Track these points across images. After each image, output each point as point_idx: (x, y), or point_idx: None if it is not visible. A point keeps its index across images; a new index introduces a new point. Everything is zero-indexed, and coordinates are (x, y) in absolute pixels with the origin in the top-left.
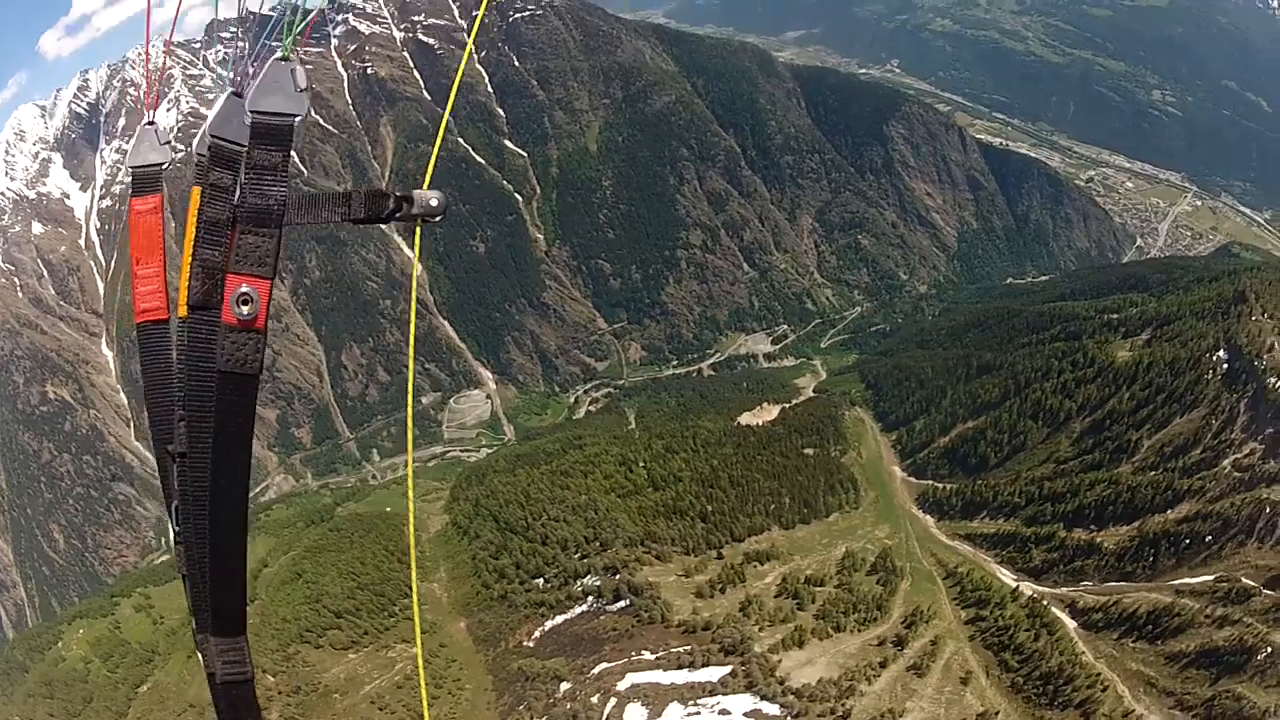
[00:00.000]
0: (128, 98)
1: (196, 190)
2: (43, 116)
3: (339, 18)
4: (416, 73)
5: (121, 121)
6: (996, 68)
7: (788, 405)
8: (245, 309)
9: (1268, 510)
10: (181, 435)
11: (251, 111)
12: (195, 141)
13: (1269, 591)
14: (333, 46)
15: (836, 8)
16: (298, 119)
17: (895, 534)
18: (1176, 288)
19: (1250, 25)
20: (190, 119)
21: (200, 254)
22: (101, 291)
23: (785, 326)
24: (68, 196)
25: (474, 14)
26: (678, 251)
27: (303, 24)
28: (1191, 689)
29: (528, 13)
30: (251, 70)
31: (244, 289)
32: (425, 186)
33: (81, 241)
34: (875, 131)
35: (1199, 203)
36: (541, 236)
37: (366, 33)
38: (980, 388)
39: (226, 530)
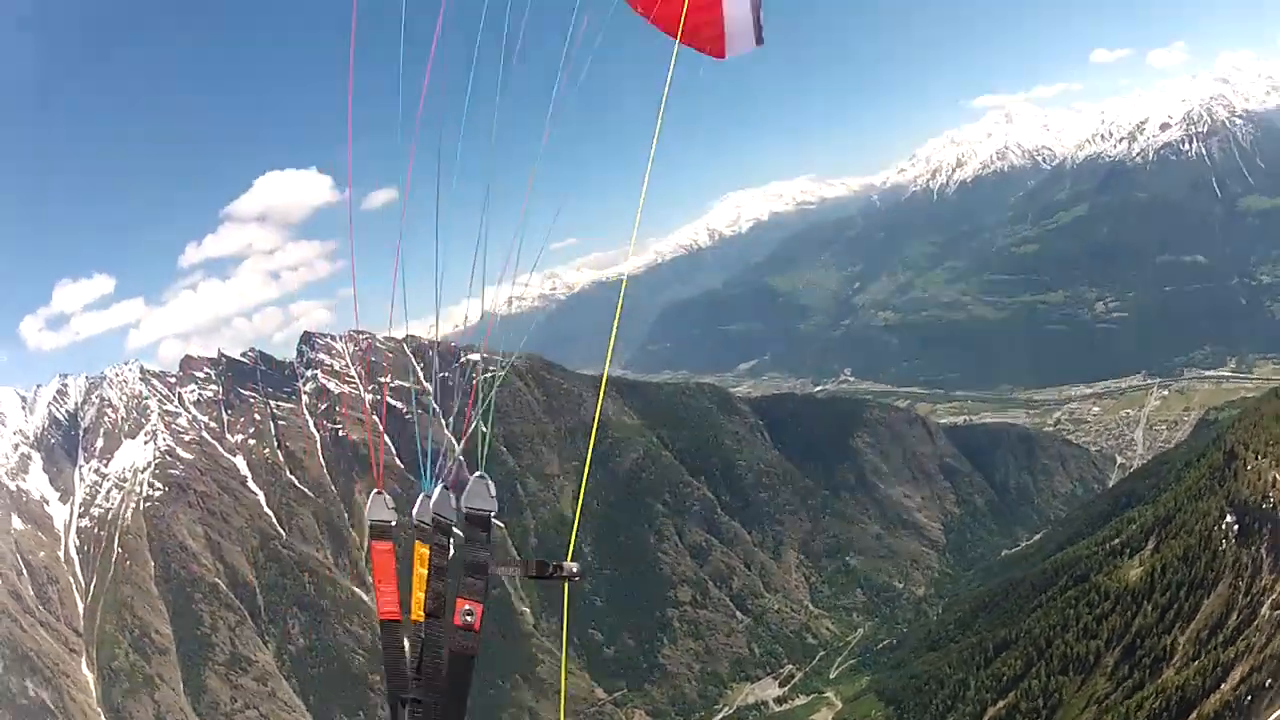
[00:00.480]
0: (105, 417)
1: (419, 545)
2: (23, 408)
3: (309, 373)
4: (387, 437)
5: (100, 441)
6: (945, 344)
7: None
8: (469, 619)
9: None
10: (414, 687)
11: (466, 508)
12: (415, 511)
13: None
14: (303, 404)
15: (782, 331)
16: (492, 513)
17: None
18: (1167, 485)
19: (1169, 187)
20: (168, 456)
21: (432, 586)
22: (81, 611)
23: (790, 666)
24: (47, 503)
25: (439, 374)
26: (668, 611)
27: (487, 448)
28: None
29: (490, 374)
30: (453, 474)
31: (467, 608)
32: (569, 558)
33: (60, 554)
34: (843, 447)
35: (1165, 393)
36: (528, 610)
37: (336, 392)
38: (1002, 666)
39: None
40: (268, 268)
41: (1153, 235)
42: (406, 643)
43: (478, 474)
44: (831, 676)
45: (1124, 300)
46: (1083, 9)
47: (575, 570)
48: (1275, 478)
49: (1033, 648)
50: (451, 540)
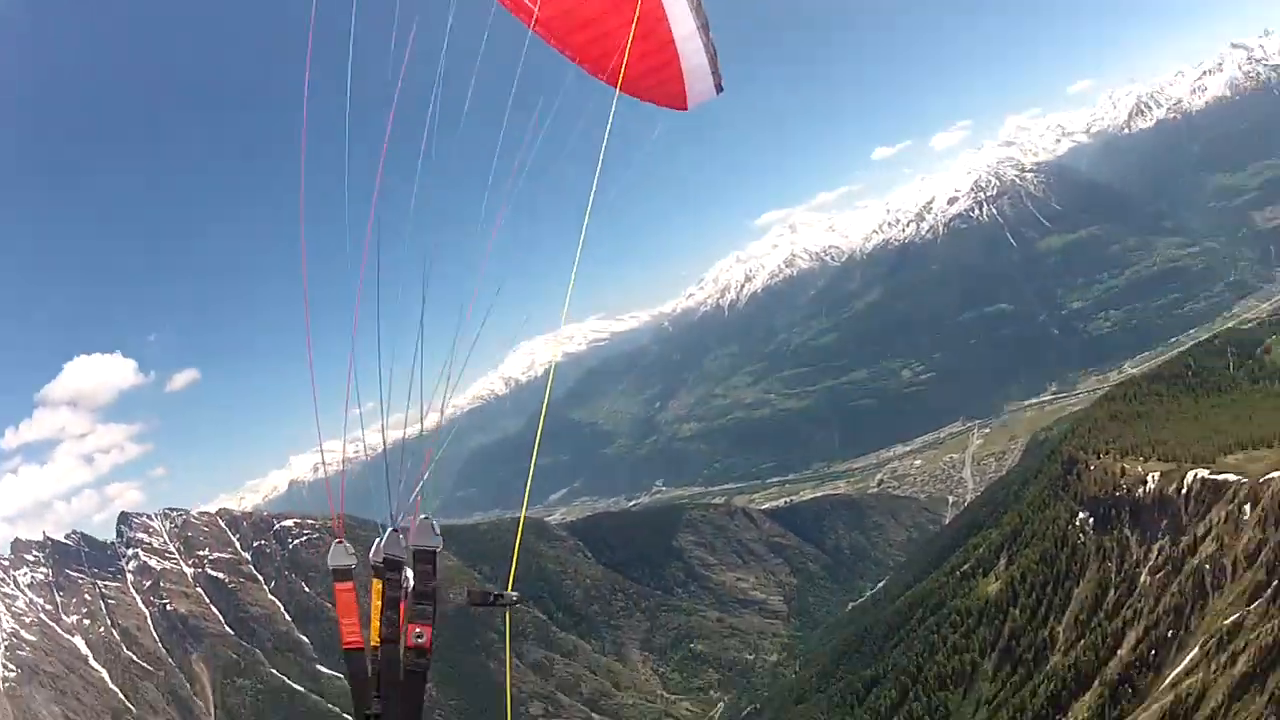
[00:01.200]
0: None
1: (376, 580)
2: None
3: (129, 551)
4: (214, 608)
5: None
6: (755, 440)
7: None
8: (419, 640)
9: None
10: (377, 703)
11: (414, 545)
12: (371, 553)
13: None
14: (129, 581)
15: (588, 456)
16: (438, 549)
17: None
18: (1007, 507)
19: (962, 252)
20: (14, 638)
21: (386, 615)
22: None
23: None
24: None
25: (258, 544)
26: None
27: (418, 492)
28: None
29: (304, 537)
30: (400, 517)
31: (417, 630)
32: (509, 588)
33: None
34: (667, 549)
35: (987, 430)
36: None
37: (158, 568)
38: (877, 700)
39: None
40: (80, 451)
41: (950, 299)
42: (369, 666)
43: (423, 516)
44: None
45: (929, 362)
46: (857, 111)
47: (515, 597)
48: (1123, 467)
49: (904, 676)
50: (405, 574)
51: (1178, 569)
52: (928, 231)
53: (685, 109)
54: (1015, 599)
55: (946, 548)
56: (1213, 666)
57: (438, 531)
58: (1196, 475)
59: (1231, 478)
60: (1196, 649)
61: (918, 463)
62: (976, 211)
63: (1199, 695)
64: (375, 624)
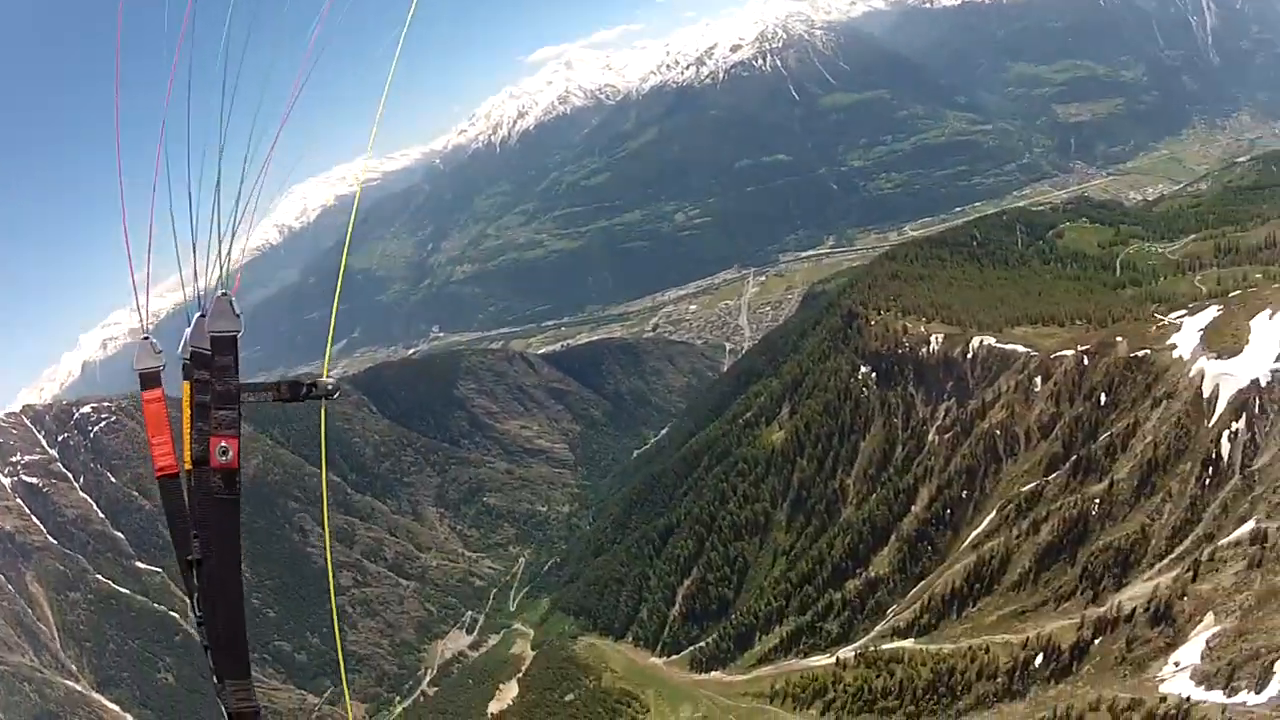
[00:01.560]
0: None
1: (186, 384)
2: None
3: None
4: (35, 518)
5: None
6: (529, 282)
7: (520, 675)
8: (224, 457)
9: (997, 440)
10: (197, 546)
11: (209, 332)
12: (180, 349)
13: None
14: None
15: (365, 307)
16: (239, 334)
17: (697, 711)
18: (786, 356)
19: (742, 101)
20: None
21: (196, 426)
22: None
23: (470, 613)
24: None
25: (62, 438)
26: (337, 600)
27: (229, 265)
28: None
29: (103, 422)
30: (209, 300)
31: (222, 444)
32: (325, 374)
33: None
34: (450, 398)
35: (762, 279)
36: None
37: None
38: (675, 549)
39: (233, 603)
40: None
41: (728, 146)
42: (186, 496)
43: (219, 293)
44: (513, 609)
45: (704, 207)
46: None
47: (331, 386)
48: (905, 326)
49: (699, 525)
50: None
51: (966, 431)
52: (708, 77)
53: None
54: (802, 449)
55: (727, 395)
56: (1014, 532)
57: (238, 311)
58: (983, 342)
59: (1020, 349)
60: (994, 513)
61: (693, 308)
62: (760, 62)
63: (1003, 559)
64: (186, 443)
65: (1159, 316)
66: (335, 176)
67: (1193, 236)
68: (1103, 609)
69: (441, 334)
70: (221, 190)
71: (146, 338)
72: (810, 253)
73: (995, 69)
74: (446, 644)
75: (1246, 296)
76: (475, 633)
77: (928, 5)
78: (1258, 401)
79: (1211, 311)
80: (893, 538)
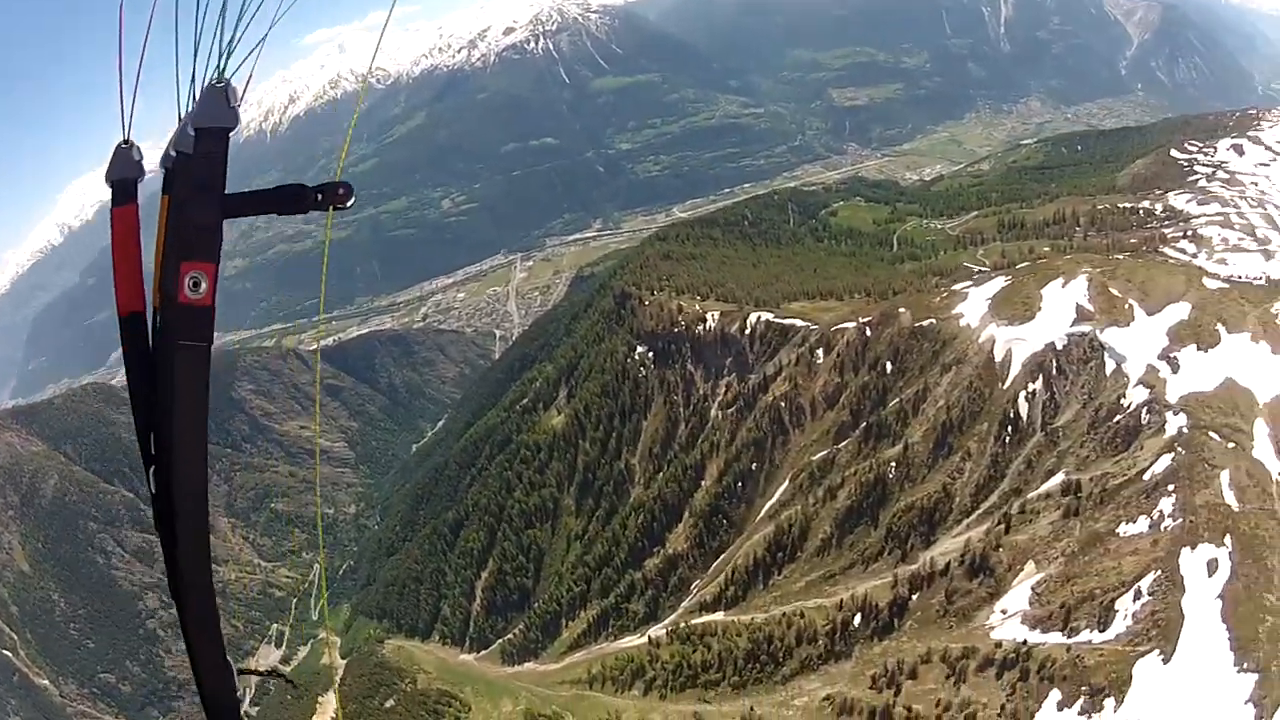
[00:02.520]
0: None
1: (164, 198)
2: None
3: None
4: None
5: None
6: (297, 275)
7: (336, 686)
8: (197, 292)
9: (783, 411)
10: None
11: (193, 126)
12: (160, 158)
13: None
14: None
15: None
16: (233, 129)
17: (518, 704)
18: (559, 340)
19: (511, 84)
20: None
21: (168, 254)
22: None
23: (275, 626)
24: None
25: None
26: (148, 623)
27: (230, 51)
28: None
29: None
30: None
31: (194, 274)
32: (338, 174)
33: None
34: (228, 401)
35: (530, 264)
36: (47, 682)
37: None
38: (467, 540)
39: (192, 471)
40: None
41: (496, 130)
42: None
43: (213, 81)
44: (315, 618)
45: (470, 193)
46: None
47: (342, 188)
48: (680, 305)
49: (488, 516)
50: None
51: (750, 405)
52: (479, 60)
53: None
54: (583, 432)
55: (501, 382)
56: (810, 500)
57: (235, 101)
58: (760, 318)
59: (799, 323)
60: (787, 482)
61: (461, 295)
62: (532, 44)
63: (802, 526)
64: (156, 272)
65: (942, 287)
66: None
67: (974, 213)
68: (915, 566)
69: (216, 333)
70: None
71: (127, 142)
72: (577, 236)
73: (773, 55)
74: (258, 661)
75: (1037, 267)
76: (284, 646)
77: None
78: (1055, 363)
79: (999, 281)
80: (686, 514)
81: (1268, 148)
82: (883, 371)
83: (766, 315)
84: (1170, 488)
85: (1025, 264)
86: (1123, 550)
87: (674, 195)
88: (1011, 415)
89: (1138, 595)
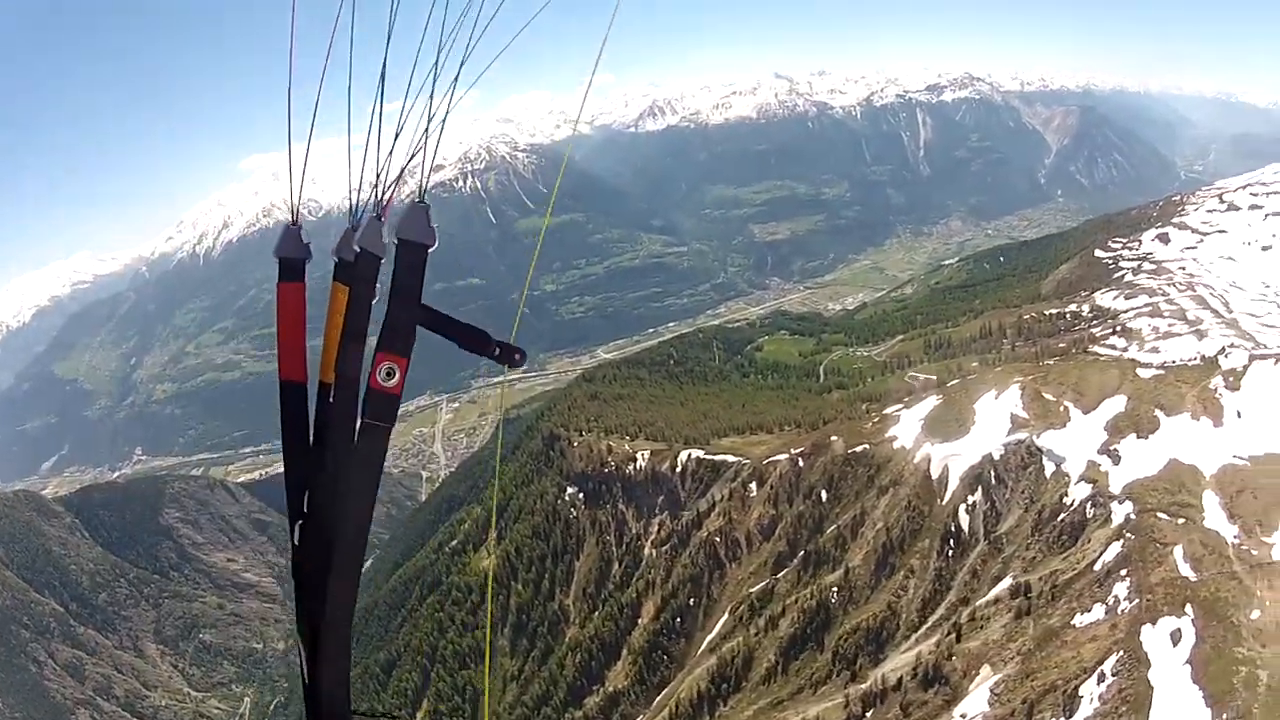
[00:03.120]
0: None
1: (336, 285)
2: None
3: None
4: None
5: None
6: (227, 405)
7: None
8: (389, 380)
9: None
10: (314, 467)
11: (398, 237)
12: (336, 246)
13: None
14: None
15: (75, 421)
16: (432, 247)
17: None
18: (487, 482)
19: (441, 222)
20: None
21: (347, 343)
22: None
23: None
24: None
25: None
26: None
27: (430, 173)
28: None
29: None
30: (385, 200)
31: (388, 365)
32: (512, 339)
33: None
34: (156, 527)
35: (456, 405)
36: None
37: None
38: (400, 680)
39: (355, 534)
40: None
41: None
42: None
43: (416, 200)
44: None
45: None
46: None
47: (518, 354)
48: (609, 445)
49: (421, 656)
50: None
51: (685, 541)
52: (408, 197)
53: None
54: (515, 573)
55: (430, 523)
56: (752, 630)
57: (432, 224)
58: (691, 455)
59: (730, 458)
60: (727, 615)
61: None
62: (461, 183)
63: (745, 657)
64: (330, 353)
65: (873, 412)
66: (51, 274)
67: (900, 337)
68: (866, 684)
69: (145, 456)
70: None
71: (295, 223)
72: (503, 378)
73: (694, 192)
74: None
75: (968, 383)
76: None
77: (631, 129)
78: (993, 474)
79: (931, 401)
80: (625, 651)
81: (1194, 230)
82: (818, 500)
83: (697, 452)
84: (1123, 573)
85: (955, 381)
86: (1080, 639)
87: (599, 336)
88: (953, 529)
89: (1101, 678)
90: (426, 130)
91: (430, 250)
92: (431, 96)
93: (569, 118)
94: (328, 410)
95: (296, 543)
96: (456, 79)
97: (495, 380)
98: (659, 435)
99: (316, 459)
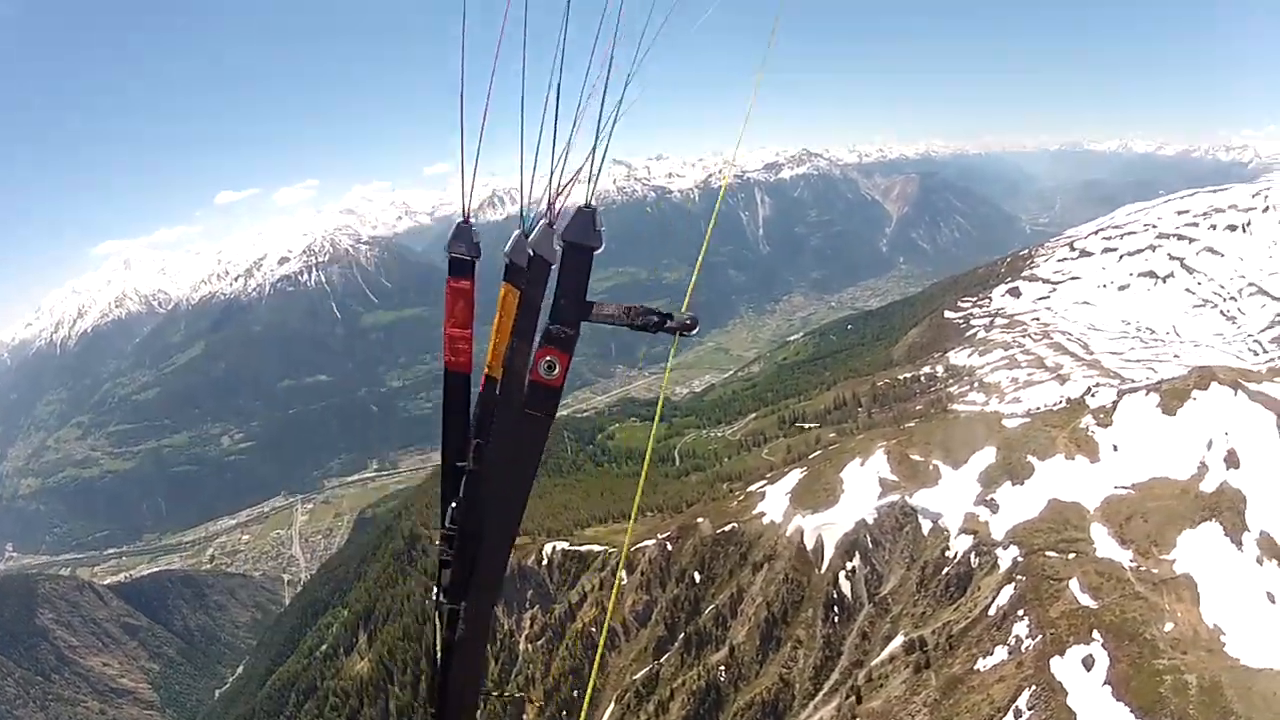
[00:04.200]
0: None
1: (506, 286)
2: None
3: None
4: None
5: None
6: (88, 503)
7: None
8: (551, 373)
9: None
10: (473, 456)
11: (564, 240)
12: (508, 247)
13: None
14: None
15: None
16: (598, 250)
17: None
18: (350, 584)
19: (287, 317)
20: None
21: (515, 336)
22: None
23: None
24: None
25: None
26: None
27: (596, 177)
28: None
29: None
30: (558, 206)
31: (549, 359)
32: (684, 308)
33: None
34: (33, 628)
35: (310, 507)
36: None
37: None
38: None
39: (509, 520)
40: None
41: (271, 364)
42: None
43: (583, 205)
44: None
45: (248, 430)
46: (210, 150)
47: (690, 319)
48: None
49: None
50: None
51: (559, 634)
52: (254, 290)
53: None
54: (391, 676)
55: (296, 628)
56: (641, 717)
57: (600, 227)
58: (556, 547)
59: (597, 548)
60: (613, 704)
61: (246, 538)
62: (305, 276)
63: None
64: (496, 347)
65: (736, 491)
66: None
67: (752, 416)
68: None
69: (14, 554)
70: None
71: (466, 221)
72: (355, 477)
73: None
74: None
75: (830, 453)
76: None
77: (472, 220)
78: (869, 538)
79: (795, 474)
80: None
81: (1045, 280)
82: (691, 583)
83: (562, 545)
84: (1020, 613)
85: (818, 453)
86: (988, 681)
87: None
88: (835, 595)
89: (1018, 714)
90: (596, 135)
91: (596, 252)
92: (602, 102)
93: (410, 209)
94: (493, 401)
95: (448, 523)
96: (626, 84)
97: (349, 479)
98: (521, 530)
99: (478, 448)
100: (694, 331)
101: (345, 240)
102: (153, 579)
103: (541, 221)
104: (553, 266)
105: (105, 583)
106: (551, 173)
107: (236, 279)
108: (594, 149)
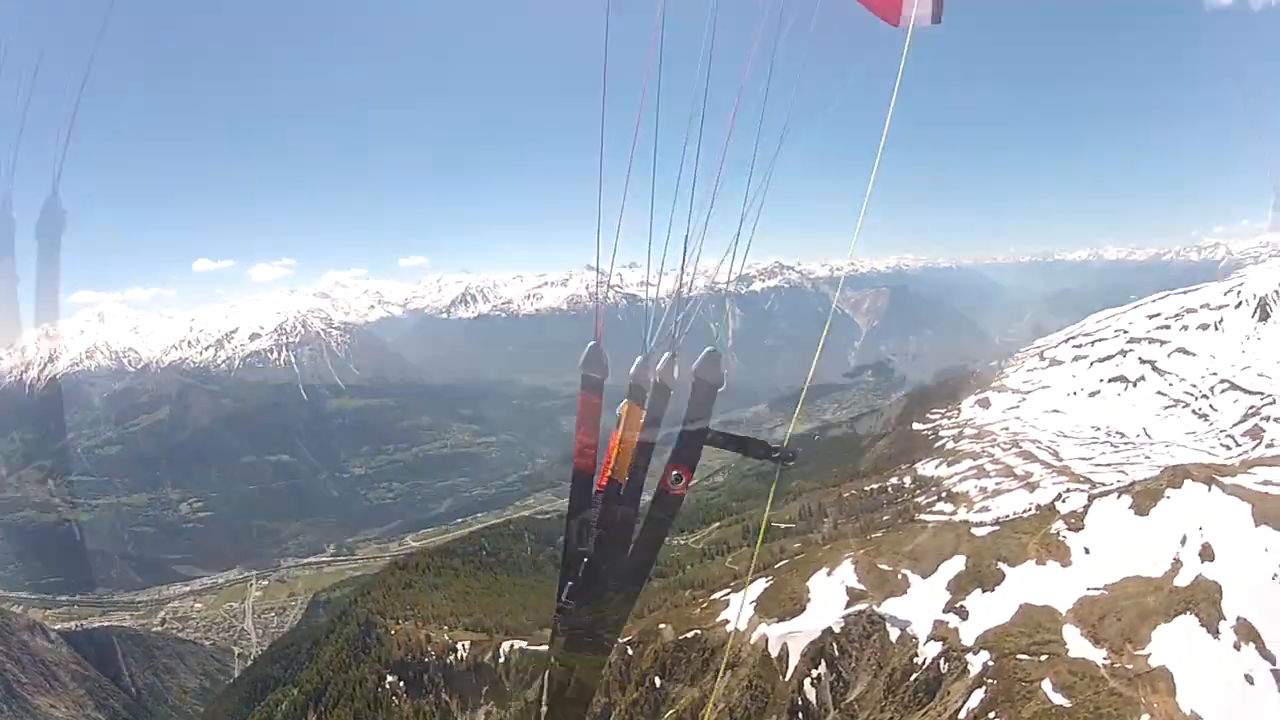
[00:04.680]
0: None
1: (630, 404)
2: None
3: None
4: None
5: None
6: (44, 546)
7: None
8: (677, 485)
9: None
10: (590, 540)
11: (696, 375)
12: (632, 370)
13: None
14: None
15: None
16: (720, 388)
17: None
18: (302, 665)
19: (254, 392)
20: None
21: (638, 451)
22: None
23: None
24: None
25: None
26: None
27: (725, 325)
28: None
29: None
30: (678, 340)
31: (676, 473)
32: (784, 443)
33: None
34: None
35: (265, 583)
36: None
37: None
38: None
39: (625, 610)
40: None
41: (235, 438)
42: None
43: (710, 349)
44: None
45: (208, 500)
46: (189, 219)
47: (791, 453)
48: (428, 634)
49: None
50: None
51: None
52: (224, 362)
53: (895, 24)
54: None
55: (245, 701)
56: None
57: (725, 368)
58: (514, 645)
59: None
60: None
61: (199, 606)
62: (275, 354)
63: None
64: (619, 456)
65: (700, 599)
66: None
67: (716, 524)
68: None
69: None
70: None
71: (597, 344)
72: (312, 559)
73: (504, 382)
74: None
75: (796, 563)
76: None
77: (444, 315)
78: (835, 646)
79: (760, 583)
80: None
81: (1015, 391)
82: (652, 686)
83: (520, 643)
84: (991, 715)
85: (784, 562)
86: None
87: (406, 523)
88: (800, 702)
89: None
90: (713, 286)
91: (720, 391)
92: (732, 262)
93: (383, 299)
94: (616, 501)
95: (564, 598)
96: (750, 241)
97: (305, 560)
98: (479, 625)
99: (599, 539)
100: (792, 463)
101: (317, 323)
102: (104, 633)
103: (666, 354)
104: (671, 393)
105: (56, 628)
106: (676, 320)
107: (207, 349)
108: (726, 301)
